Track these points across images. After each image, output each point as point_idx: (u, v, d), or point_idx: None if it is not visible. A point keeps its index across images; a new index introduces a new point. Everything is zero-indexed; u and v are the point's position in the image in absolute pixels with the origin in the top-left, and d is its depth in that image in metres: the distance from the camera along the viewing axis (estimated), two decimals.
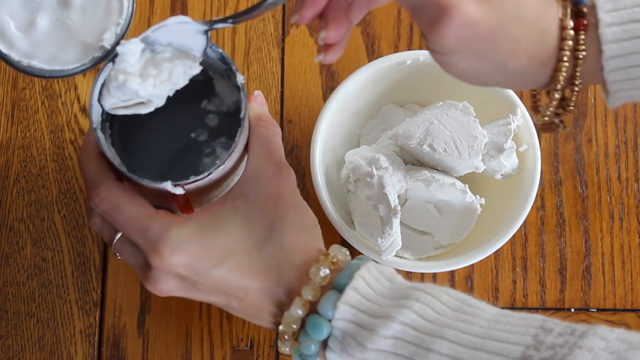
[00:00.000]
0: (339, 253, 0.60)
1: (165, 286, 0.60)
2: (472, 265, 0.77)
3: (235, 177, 0.69)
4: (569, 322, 0.52)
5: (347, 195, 0.76)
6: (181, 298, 0.76)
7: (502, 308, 0.77)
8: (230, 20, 0.59)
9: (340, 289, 0.57)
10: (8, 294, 0.76)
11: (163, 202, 0.65)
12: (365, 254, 0.71)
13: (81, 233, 0.77)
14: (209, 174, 0.61)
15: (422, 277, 0.78)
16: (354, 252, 0.77)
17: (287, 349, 0.59)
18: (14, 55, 0.60)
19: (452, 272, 0.78)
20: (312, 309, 0.58)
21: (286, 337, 0.58)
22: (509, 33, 0.53)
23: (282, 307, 0.60)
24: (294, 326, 0.58)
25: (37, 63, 0.60)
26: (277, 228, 0.60)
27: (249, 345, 0.76)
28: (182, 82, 0.61)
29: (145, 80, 0.59)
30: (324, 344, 0.57)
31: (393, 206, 0.69)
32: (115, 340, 0.76)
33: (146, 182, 0.61)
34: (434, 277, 0.78)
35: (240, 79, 0.62)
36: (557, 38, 0.54)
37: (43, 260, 0.77)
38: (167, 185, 0.60)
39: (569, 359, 0.48)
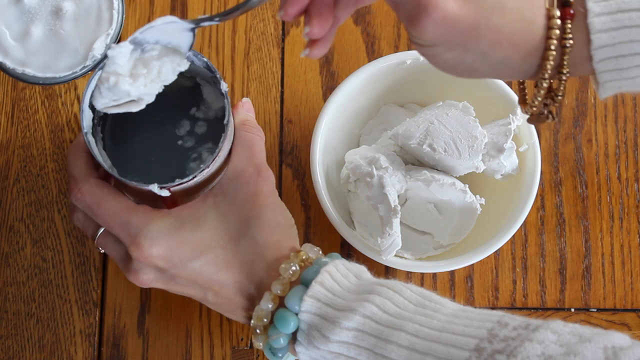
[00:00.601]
0: (310, 251, 0.62)
1: (146, 277, 0.62)
2: (472, 265, 0.77)
3: (220, 178, 0.71)
4: (526, 318, 0.53)
5: (347, 195, 0.76)
6: (181, 298, 0.76)
7: (502, 308, 0.78)
8: (217, 19, 0.60)
9: (307, 284, 0.59)
10: (8, 294, 0.76)
11: (151, 202, 0.67)
12: (365, 254, 0.71)
13: (81, 233, 0.77)
14: (193, 177, 0.63)
15: (422, 277, 0.78)
16: (354, 252, 0.77)
17: (260, 344, 0.61)
18: (9, 63, 0.62)
19: (452, 272, 0.78)
20: (281, 303, 0.59)
21: (258, 331, 0.60)
22: (490, 24, 0.54)
23: (253, 302, 0.62)
24: (265, 320, 0.60)
25: (31, 71, 0.62)
26: (253, 225, 0.62)
27: (249, 345, 0.76)
28: (170, 78, 0.63)
29: (136, 79, 0.61)
30: (294, 338, 0.59)
31: (393, 206, 0.69)
32: (115, 340, 0.76)
33: (134, 184, 0.63)
34: (434, 277, 0.78)
35: (224, 87, 0.64)
36: (543, 27, 0.55)
37: (43, 260, 0.77)
38: (154, 188, 0.62)
39: (519, 350, 0.49)
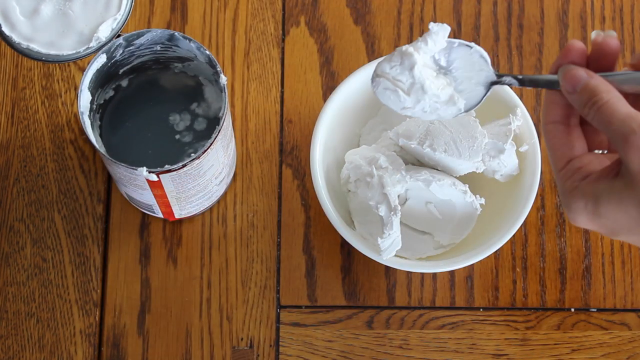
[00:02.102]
0: None
1: None
2: (472, 265, 0.77)
3: (215, 187, 0.71)
4: None
5: (347, 195, 0.76)
6: (181, 298, 0.76)
7: (502, 308, 0.78)
8: (518, 79, 0.57)
9: None
10: (8, 294, 0.76)
11: (145, 197, 0.69)
12: (365, 254, 0.71)
13: (81, 233, 0.77)
14: (183, 166, 0.64)
15: (422, 277, 0.78)
16: (354, 252, 0.77)
17: None
18: (15, 38, 0.65)
19: (452, 272, 0.78)
20: None
21: None
22: None
23: None
24: None
25: (36, 46, 0.65)
26: None
27: (249, 345, 0.76)
28: (445, 114, 0.59)
29: (412, 94, 0.59)
30: None
31: (393, 206, 0.69)
32: (115, 340, 0.76)
33: (124, 167, 0.64)
34: (434, 277, 0.78)
35: (223, 80, 0.65)
36: None
37: (43, 260, 0.77)
38: (143, 172, 0.63)
39: None
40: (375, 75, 0.61)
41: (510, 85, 0.57)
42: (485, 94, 0.58)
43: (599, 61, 0.53)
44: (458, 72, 0.59)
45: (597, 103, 0.51)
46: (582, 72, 0.52)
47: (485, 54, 0.57)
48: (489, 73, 0.58)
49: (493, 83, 0.57)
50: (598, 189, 0.51)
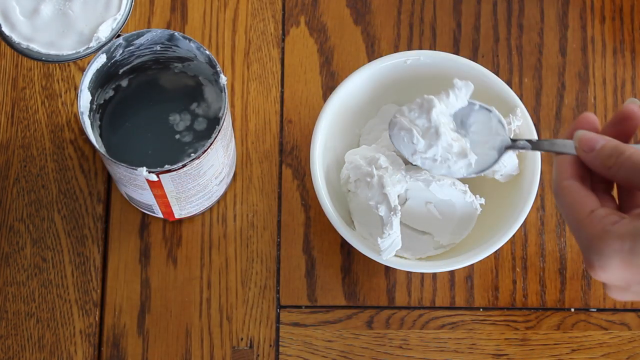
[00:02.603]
0: None
1: None
2: (472, 265, 0.77)
3: (215, 187, 0.71)
4: None
5: (347, 195, 0.76)
6: (181, 298, 0.76)
7: (502, 308, 0.78)
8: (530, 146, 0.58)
9: None
10: (8, 294, 0.76)
11: (145, 197, 0.69)
12: (365, 254, 0.71)
13: (81, 233, 0.77)
14: (183, 166, 0.64)
15: (422, 277, 0.78)
16: (354, 252, 0.77)
17: None
18: (15, 38, 0.65)
19: (452, 272, 0.78)
20: None
21: None
22: None
23: None
24: None
25: (36, 46, 0.65)
26: None
27: (249, 345, 0.76)
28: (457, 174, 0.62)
29: (428, 143, 0.61)
30: None
31: (393, 206, 0.69)
32: (115, 340, 0.76)
33: (124, 167, 0.64)
34: (433, 277, 0.78)
35: (223, 80, 0.65)
36: None
37: (43, 260, 0.77)
38: (142, 172, 0.63)
39: None
40: (394, 117, 0.62)
41: (523, 149, 0.58)
42: (498, 158, 0.60)
43: (618, 124, 0.55)
44: (475, 136, 0.60)
45: (622, 154, 0.52)
46: (598, 136, 0.54)
47: (503, 120, 0.59)
48: (505, 138, 0.60)
49: (507, 148, 0.59)
50: (636, 226, 0.51)
